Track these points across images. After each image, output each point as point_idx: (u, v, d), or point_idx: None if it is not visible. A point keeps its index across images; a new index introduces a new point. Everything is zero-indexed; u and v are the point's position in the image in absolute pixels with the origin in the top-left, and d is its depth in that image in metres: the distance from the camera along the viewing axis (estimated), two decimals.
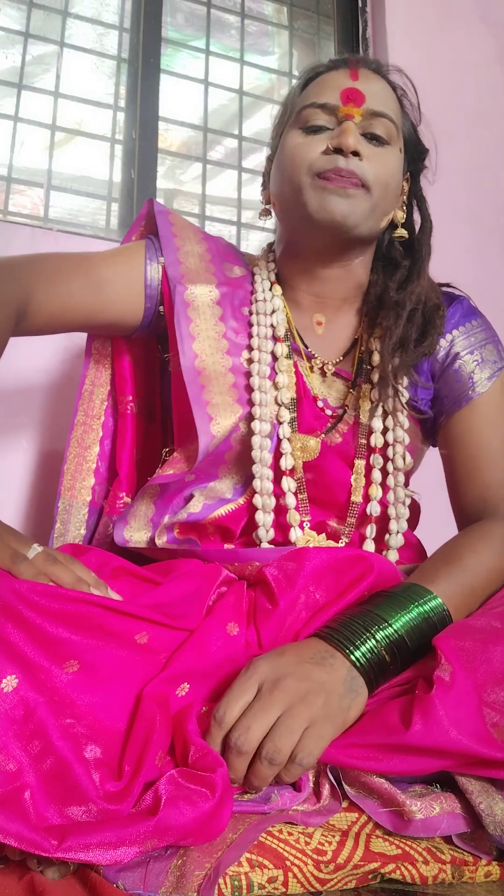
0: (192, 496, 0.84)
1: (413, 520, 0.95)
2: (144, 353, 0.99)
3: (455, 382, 0.90)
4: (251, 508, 0.85)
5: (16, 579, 0.60)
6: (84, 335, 1.01)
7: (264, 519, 0.84)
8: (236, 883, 0.51)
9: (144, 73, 1.59)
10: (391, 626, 0.67)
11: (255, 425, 0.83)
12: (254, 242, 1.79)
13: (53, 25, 1.58)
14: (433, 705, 0.59)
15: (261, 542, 0.84)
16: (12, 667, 0.56)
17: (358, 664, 0.64)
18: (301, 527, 0.86)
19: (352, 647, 0.65)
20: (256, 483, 0.84)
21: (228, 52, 1.79)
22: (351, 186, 0.82)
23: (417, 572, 0.77)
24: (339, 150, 0.83)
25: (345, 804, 0.61)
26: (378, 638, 0.66)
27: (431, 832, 0.59)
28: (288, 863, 0.54)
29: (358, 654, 0.64)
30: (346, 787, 0.61)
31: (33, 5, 1.55)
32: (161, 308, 0.90)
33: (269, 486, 0.84)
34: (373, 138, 0.86)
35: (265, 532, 0.84)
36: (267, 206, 0.95)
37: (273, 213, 0.94)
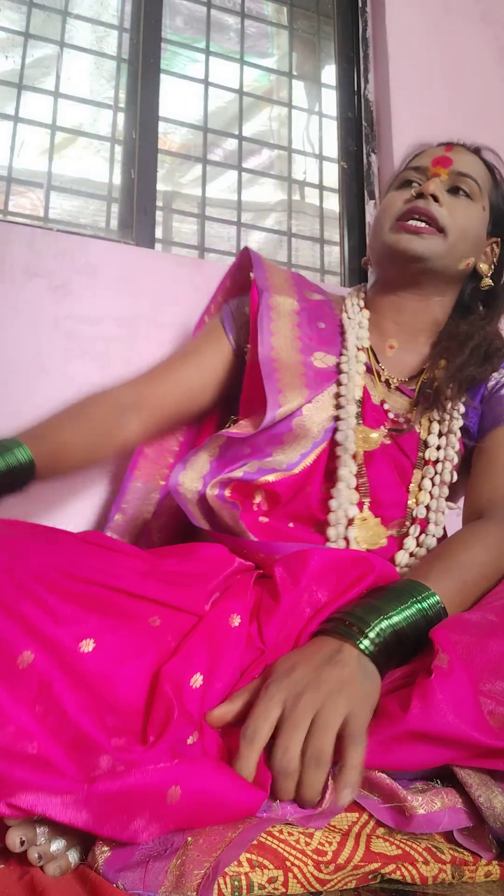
0: (246, 464, 0.93)
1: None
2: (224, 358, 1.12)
3: (497, 406, 1.02)
4: (303, 480, 0.94)
5: (34, 560, 0.61)
6: (82, 335, 1.02)
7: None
8: (236, 883, 0.51)
9: (144, 73, 1.59)
10: (393, 617, 0.69)
11: (343, 405, 0.96)
12: (253, 244, 1.79)
13: (53, 26, 1.58)
14: (432, 689, 0.60)
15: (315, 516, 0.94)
16: (29, 643, 0.56)
17: (367, 651, 0.66)
18: (360, 506, 0.94)
19: (360, 637, 0.66)
20: (340, 450, 0.94)
21: (228, 53, 1.79)
22: (425, 232, 0.98)
23: (414, 570, 0.82)
24: (420, 196, 1.00)
25: None
26: (383, 626, 0.68)
27: (433, 828, 0.59)
28: (288, 863, 0.54)
29: (366, 642, 0.66)
30: None
31: (33, 6, 1.55)
32: (246, 347, 1.06)
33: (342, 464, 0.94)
34: (455, 191, 1.03)
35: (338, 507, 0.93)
36: (367, 258, 1.15)
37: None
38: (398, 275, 1.04)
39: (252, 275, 1.07)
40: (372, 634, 0.67)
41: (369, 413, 0.99)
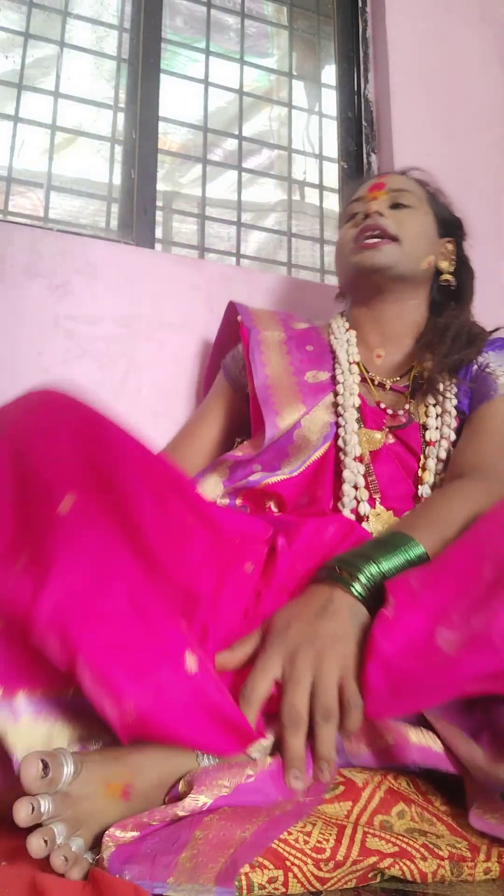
0: (252, 472, 1.03)
1: None
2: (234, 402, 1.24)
3: (483, 383, 1.09)
4: (306, 481, 1.01)
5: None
6: (82, 335, 1.02)
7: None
8: (237, 884, 0.51)
9: (144, 73, 1.59)
10: (382, 563, 0.73)
11: (342, 412, 1.04)
12: (253, 244, 1.79)
13: (53, 26, 1.58)
14: (374, 640, 0.64)
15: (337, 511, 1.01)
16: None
17: (359, 596, 0.70)
18: (372, 503, 1.00)
19: (351, 581, 0.71)
20: (341, 441, 1.02)
21: (228, 53, 1.79)
22: (380, 244, 1.09)
23: (399, 524, 0.88)
24: (367, 217, 1.12)
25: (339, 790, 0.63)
26: (372, 571, 0.72)
27: (429, 760, 0.64)
28: (288, 863, 0.54)
29: (357, 586, 0.71)
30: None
31: (33, 6, 1.55)
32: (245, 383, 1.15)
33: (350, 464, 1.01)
34: (396, 206, 1.14)
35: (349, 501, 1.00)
36: (340, 287, 1.26)
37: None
38: (371, 289, 1.14)
39: (239, 318, 1.18)
40: (363, 578, 0.71)
41: (369, 416, 1.07)
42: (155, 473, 0.66)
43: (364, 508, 0.99)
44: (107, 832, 0.55)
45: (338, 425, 1.04)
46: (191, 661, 0.58)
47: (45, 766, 0.53)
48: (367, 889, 0.56)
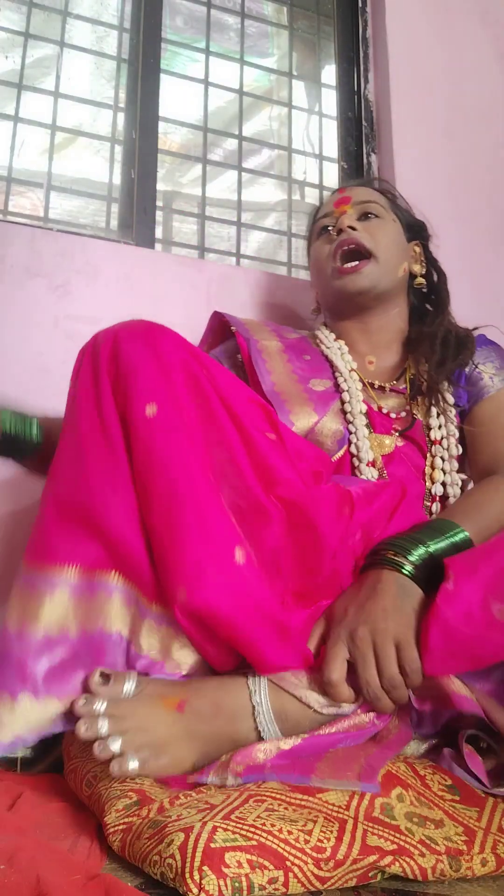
0: None
1: None
2: None
3: (478, 383, 1.15)
4: None
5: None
6: (82, 335, 1.02)
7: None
8: (237, 884, 0.51)
9: (144, 73, 1.59)
10: (430, 546, 0.81)
11: (352, 420, 1.08)
12: (252, 244, 1.79)
13: (53, 26, 1.58)
14: (439, 610, 0.72)
15: None
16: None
17: (409, 574, 0.78)
18: None
19: (403, 563, 0.79)
20: (353, 447, 1.06)
21: (228, 52, 1.79)
22: (361, 267, 1.12)
23: (442, 513, 0.97)
24: (340, 232, 1.15)
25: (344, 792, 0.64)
26: (421, 552, 0.80)
27: (473, 707, 0.73)
28: (288, 863, 0.54)
29: (408, 566, 0.79)
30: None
31: (33, 6, 1.55)
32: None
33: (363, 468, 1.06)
34: (365, 217, 1.18)
35: None
36: (317, 300, 1.29)
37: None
38: (356, 308, 1.18)
39: (233, 328, 1.19)
40: (412, 558, 0.79)
41: (377, 421, 1.10)
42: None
43: None
44: (232, 759, 0.68)
45: (349, 432, 1.07)
46: (240, 555, 0.72)
47: (107, 677, 0.70)
48: (368, 889, 0.56)
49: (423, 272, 1.24)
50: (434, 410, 1.11)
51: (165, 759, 0.68)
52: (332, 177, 1.83)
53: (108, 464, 0.74)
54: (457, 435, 1.11)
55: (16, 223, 1.39)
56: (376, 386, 1.16)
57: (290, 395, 1.09)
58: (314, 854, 0.55)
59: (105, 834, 0.62)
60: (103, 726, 0.67)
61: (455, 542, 0.83)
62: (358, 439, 1.06)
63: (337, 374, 1.14)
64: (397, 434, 1.10)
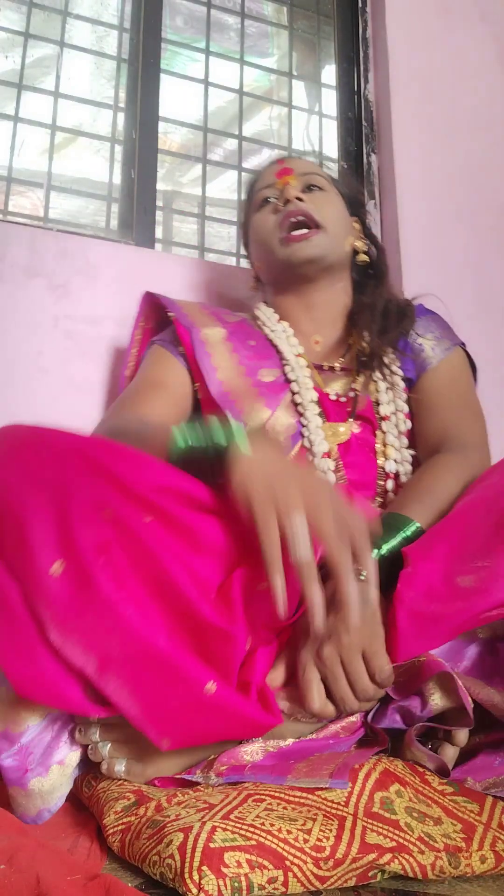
0: None
1: None
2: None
3: (420, 354, 1.13)
4: None
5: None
6: (82, 335, 1.02)
7: None
8: (236, 884, 0.51)
9: (144, 73, 1.59)
10: (381, 549, 0.81)
11: (305, 414, 1.02)
12: None
13: (53, 26, 1.58)
14: (400, 592, 0.73)
15: None
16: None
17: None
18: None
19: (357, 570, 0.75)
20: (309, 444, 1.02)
21: (228, 52, 1.79)
22: (310, 235, 1.08)
23: (393, 503, 0.94)
24: (287, 203, 1.11)
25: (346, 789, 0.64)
26: (373, 554, 0.76)
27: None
28: (287, 862, 0.54)
29: (362, 573, 0.74)
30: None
31: (33, 6, 1.55)
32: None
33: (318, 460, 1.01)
34: (310, 188, 1.15)
35: None
36: (256, 276, 1.23)
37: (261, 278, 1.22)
38: (301, 279, 1.13)
39: (171, 314, 1.12)
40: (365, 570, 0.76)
41: (330, 409, 1.06)
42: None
43: None
44: (217, 759, 0.69)
45: (301, 425, 1.04)
46: (211, 686, 0.65)
47: None
48: (368, 889, 0.56)
49: (366, 249, 1.20)
50: (382, 385, 1.08)
51: (152, 770, 0.71)
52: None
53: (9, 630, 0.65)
54: (406, 409, 1.08)
55: (16, 223, 1.39)
56: (325, 368, 1.12)
57: (240, 393, 1.05)
58: (313, 853, 0.55)
59: (104, 836, 0.62)
60: (95, 733, 0.71)
61: (407, 536, 0.83)
62: (310, 432, 1.03)
63: (284, 362, 1.09)
64: (352, 420, 1.06)
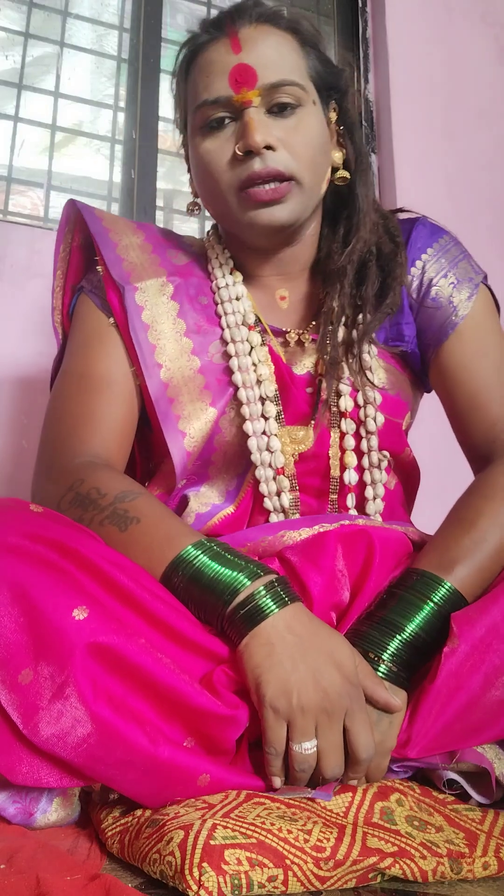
0: (187, 499, 0.84)
1: (410, 482, 0.92)
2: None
3: (436, 311, 0.84)
4: (243, 514, 0.83)
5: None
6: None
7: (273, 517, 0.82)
8: (236, 882, 0.51)
9: (144, 73, 1.60)
10: (406, 629, 0.68)
11: (248, 427, 0.80)
12: None
13: (53, 26, 1.58)
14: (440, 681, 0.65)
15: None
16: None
17: (387, 676, 0.67)
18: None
19: (377, 664, 0.67)
20: (262, 487, 0.81)
21: None
22: (280, 193, 0.77)
23: (431, 546, 0.75)
24: (249, 153, 0.76)
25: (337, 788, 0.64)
26: (396, 646, 0.68)
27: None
28: (288, 861, 0.53)
29: (383, 667, 0.67)
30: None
31: (33, 6, 1.55)
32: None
33: (272, 486, 0.82)
34: (280, 110, 0.78)
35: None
36: (196, 201, 0.89)
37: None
38: (267, 242, 0.84)
39: (102, 257, 0.84)
40: (387, 657, 0.67)
41: (295, 401, 0.82)
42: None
43: (290, 535, 0.77)
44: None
45: (246, 434, 0.81)
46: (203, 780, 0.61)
47: None
48: (368, 889, 0.56)
49: (344, 159, 0.85)
50: (345, 367, 0.81)
51: None
52: None
53: None
54: (378, 401, 0.82)
55: (16, 223, 1.39)
56: (293, 341, 0.85)
57: (181, 385, 0.81)
58: (314, 853, 0.55)
59: (103, 839, 0.62)
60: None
61: (438, 603, 0.68)
62: (261, 449, 0.80)
63: (230, 343, 0.82)
64: (312, 421, 0.82)
